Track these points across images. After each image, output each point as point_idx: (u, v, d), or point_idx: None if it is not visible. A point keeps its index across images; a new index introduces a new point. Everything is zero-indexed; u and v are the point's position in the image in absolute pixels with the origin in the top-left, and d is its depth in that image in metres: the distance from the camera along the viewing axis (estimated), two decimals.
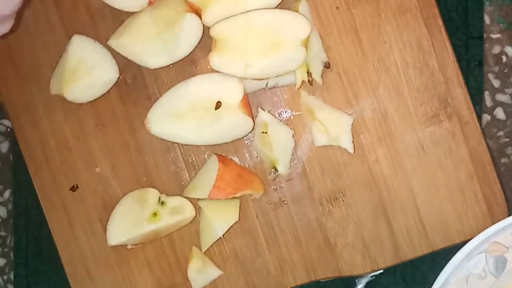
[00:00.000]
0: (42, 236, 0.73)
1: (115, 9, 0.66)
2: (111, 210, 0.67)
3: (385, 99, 0.64)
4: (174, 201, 0.66)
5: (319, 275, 0.67)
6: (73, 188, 0.68)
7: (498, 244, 0.61)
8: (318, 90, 0.65)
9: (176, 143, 0.66)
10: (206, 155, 0.67)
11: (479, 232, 0.61)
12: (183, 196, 0.66)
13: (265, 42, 0.61)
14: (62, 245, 0.68)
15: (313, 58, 0.63)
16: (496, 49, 0.68)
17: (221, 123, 0.62)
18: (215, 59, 0.62)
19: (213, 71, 0.63)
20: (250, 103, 0.65)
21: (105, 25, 0.67)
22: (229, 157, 0.66)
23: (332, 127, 0.64)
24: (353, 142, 0.64)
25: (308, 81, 0.64)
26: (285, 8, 0.63)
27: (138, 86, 0.67)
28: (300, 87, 0.64)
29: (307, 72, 0.63)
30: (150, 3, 0.64)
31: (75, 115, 0.68)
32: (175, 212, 0.66)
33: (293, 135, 0.65)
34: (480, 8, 0.67)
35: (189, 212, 0.66)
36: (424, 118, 0.64)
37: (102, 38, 0.66)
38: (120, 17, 0.66)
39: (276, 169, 0.65)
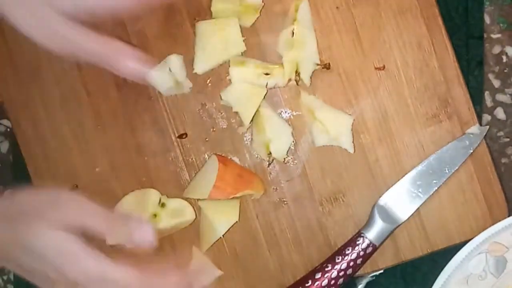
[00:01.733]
0: None
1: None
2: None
3: (385, 99, 0.64)
4: (174, 203, 0.66)
5: None
6: (73, 188, 0.68)
7: (498, 244, 0.61)
8: (318, 90, 0.65)
9: (176, 142, 0.66)
10: (206, 155, 0.67)
11: (479, 232, 0.61)
12: (183, 198, 0.66)
13: None
14: None
15: (304, 58, 0.63)
16: (497, 49, 0.68)
17: None
18: None
19: None
20: None
21: (105, 24, 0.67)
22: (229, 157, 0.66)
23: (332, 127, 0.64)
24: (353, 142, 0.64)
25: (295, 80, 0.63)
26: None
27: (138, 86, 0.67)
28: (286, 85, 0.64)
29: (296, 71, 0.63)
30: None
31: (75, 115, 0.68)
32: (175, 214, 0.66)
33: (292, 132, 0.65)
34: (481, 8, 0.67)
35: (189, 215, 0.66)
36: (424, 118, 0.64)
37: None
38: (120, 17, 0.66)
39: (271, 154, 0.65)
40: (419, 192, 0.62)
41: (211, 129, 0.66)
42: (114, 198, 0.67)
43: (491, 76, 0.68)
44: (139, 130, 0.67)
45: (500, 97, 0.68)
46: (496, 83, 0.68)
